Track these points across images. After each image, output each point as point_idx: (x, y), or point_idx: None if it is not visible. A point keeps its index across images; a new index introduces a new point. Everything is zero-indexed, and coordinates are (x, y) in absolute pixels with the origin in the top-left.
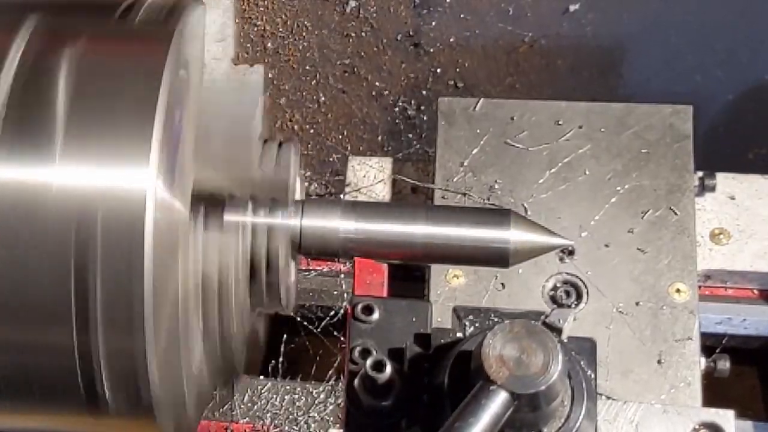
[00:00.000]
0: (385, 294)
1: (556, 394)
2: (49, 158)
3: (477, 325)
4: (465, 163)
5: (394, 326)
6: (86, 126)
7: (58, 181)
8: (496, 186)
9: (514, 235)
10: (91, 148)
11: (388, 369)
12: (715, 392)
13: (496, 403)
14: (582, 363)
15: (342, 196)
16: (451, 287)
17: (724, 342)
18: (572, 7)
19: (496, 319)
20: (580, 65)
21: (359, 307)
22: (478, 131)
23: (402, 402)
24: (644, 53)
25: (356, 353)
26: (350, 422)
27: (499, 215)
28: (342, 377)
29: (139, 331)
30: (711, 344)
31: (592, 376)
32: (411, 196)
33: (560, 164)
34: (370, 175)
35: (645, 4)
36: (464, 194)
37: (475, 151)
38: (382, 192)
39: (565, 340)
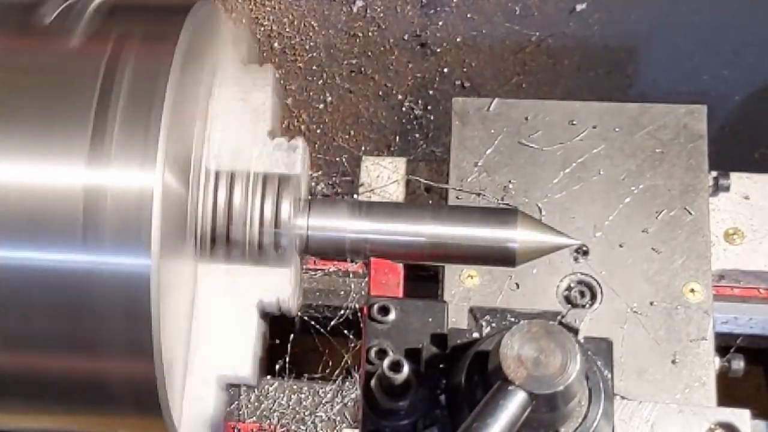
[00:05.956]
0: (400, 294)
1: (573, 394)
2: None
3: (494, 325)
4: (479, 163)
5: (410, 326)
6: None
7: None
8: (511, 186)
9: (520, 235)
10: (97, 146)
11: (405, 369)
12: (720, 392)
13: (514, 403)
14: (599, 363)
15: (355, 196)
16: (465, 287)
17: (738, 342)
18: (579, 7)
19: (512, 320)
20: (587, 65)
21: (375, 307)
22: (492, 131)
23: (419, 402)
24: (651, 53)
25: (373, 354)
26: (367, 423)
27: (506, 215)
28: (350, 377)
29: (149, 321)
30: (717, 344)
31: (609, 376)
32: (425, 196)
33: (574, 164)
34: (384, 176)
35: (652, 4)
36: (478, 194)
37: (489, 151)
38: (396, 192)
39: (581, 341)
